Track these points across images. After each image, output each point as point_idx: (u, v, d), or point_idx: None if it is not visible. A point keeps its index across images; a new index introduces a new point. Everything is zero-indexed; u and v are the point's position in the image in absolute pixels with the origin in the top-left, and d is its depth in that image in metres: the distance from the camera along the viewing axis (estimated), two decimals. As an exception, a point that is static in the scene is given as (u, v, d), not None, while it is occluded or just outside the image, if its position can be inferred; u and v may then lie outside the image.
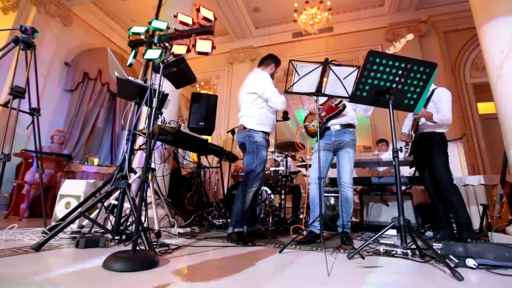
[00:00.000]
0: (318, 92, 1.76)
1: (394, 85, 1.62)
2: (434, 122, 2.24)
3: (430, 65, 1.58)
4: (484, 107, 4.94)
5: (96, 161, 4.20)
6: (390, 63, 1.58)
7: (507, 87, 2.09)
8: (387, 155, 2.90)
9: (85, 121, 5.33)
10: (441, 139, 2.33)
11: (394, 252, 1.56)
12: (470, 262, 1.30)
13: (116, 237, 1.64)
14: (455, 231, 2.37)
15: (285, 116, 4.80)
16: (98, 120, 5.62)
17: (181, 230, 2.35)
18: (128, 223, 1.75)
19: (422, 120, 2.35)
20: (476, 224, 2.80)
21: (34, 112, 2.00)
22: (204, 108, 3.34)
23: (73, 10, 5.22)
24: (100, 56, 5.64)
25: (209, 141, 2.96)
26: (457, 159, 4.50)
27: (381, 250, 1.61)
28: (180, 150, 3.45)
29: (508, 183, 2.35)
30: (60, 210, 2.47)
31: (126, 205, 1.86)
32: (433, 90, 2.38)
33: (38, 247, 1.35)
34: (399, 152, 1.57)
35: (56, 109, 4.85)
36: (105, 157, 5.68)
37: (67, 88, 5.07)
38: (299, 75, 1.67)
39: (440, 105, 2.27)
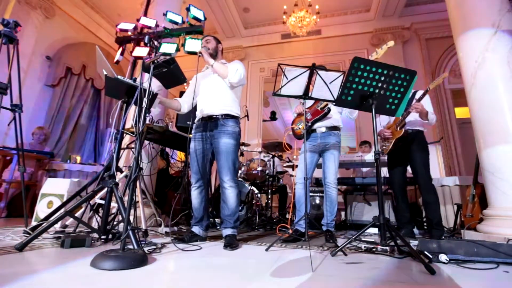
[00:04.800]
0: (305, 95, 1.81)
1: (377, 91, 1.70)
2: (426, 120, 2.33)
3: (410, 72, 1.68)
4: (460, 112, 5.22)
5: (78, 159, 4.10)
6: (374, 69, 1.66)
7: (480, 95, 2.23)
8: (370, 157, 3.01)
9: (68, 118, 5.16)
10: (424, 138, 2.47)
11: (374, 249, 1.64)
12: (443, 257, 1.40)
13: (102, 237, 1.63)
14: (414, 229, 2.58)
15: (273, 116, 4.85)
16: (81, 117, 5.46)
17: (167, 229, 2.35)
18: (115, 223, 1.74)
19: (413, 116, 2.39)
20: (451, 222, 2.98)
21: (16, 108, 1.93)
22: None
23: (55, 2, 5.03)
24: (84, 51, 5.47)
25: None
26: (435, 161, 4.73)
27: (363, 247, 1.69)
28: (167, 149, 3.43)
29: (480, 184, 2.51)
30: (41, 210, 2.41)
31: (112, 204, 1.85)
32: (414, 93, 2.48)
33: (21, 247, 1.33)
34: (380, 154, 1.65)
35: (36, 105, 4.67)
36: (88, 155, 5.53)
37: (48, 83, 4.88)
38: (287, 79, 1.72)
39: (425, 106, 2.35)
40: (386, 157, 2.68)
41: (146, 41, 1.68)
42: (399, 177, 2.54)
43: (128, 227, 1.26)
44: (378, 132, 2.62)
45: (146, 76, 1.52)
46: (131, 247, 1.33)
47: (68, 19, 5.36)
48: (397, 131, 2.44)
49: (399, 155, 2.51)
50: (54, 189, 2.45)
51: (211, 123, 1.93)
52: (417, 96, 2.42)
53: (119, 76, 1.58)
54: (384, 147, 2.57)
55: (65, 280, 0.95)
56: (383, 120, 2.66)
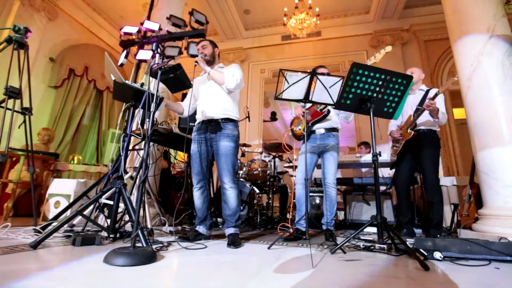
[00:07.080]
0: (306, 99, 1.88)
1: (375, 94, 1.77)
2: (436, 118, 2.30)
3: (406, 77, 1.74)
4: (459, 113, 5.28)
5: (81, 159, 4.16)
6: (372, 74, 1.72)
7: (475, 98, 2.29)
8: (368, 157, 3.07)
9: (70, 119, 5.22)
10: (437, 138, 2.44)
11: (372, 247, 1.71)
12: (437, 254, 1.46)
13: (111, 235, 1.69)
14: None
15: (273, 116, 4.89)
16: (83, 118, 5.52)
17: (172, 229, 2.41)
18: (122, 222, 1.80)
19: (425, 116, 2.37)
20: (448, 222, 3.04)
21: (26, 111, 2.00)
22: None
23: (59, 5, 5.09)
24: (86, 52, 5.54)
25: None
26: (433, 161, 4.79)
27: (361, 245, 1.75)
28: (171, 151, 3.50)
29: (476, 184, 2.57)
30: (49, 209, 2.48)
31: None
32: (427, 91, 2.48)
33: (35, 245, 1.39)
34: (378, 156, 1.71)
35: (40, 106, 4.73)
36: (91, 155, 5.59)
37: (51, 84, 4.95)
38: (288, 83, 1.78)
39: (438, 105, 2.33)
40: (395, 158, 2.64)
41: (154, 48, 1.74)
42: (404, 176, 2.52)
43: (138, 226, 1.32)
44: (389, 133, 2.64)
45: (150, 79, 1.59)
46: (139, 245, 1.39)
47: (70, 21, 5.42)
48: (407, 133, 2.42)
49: (407, 155, 2.50)
50: (61, 189, 2.51)
51: (211, 126, 2.00)
52: (430, 94, 2.39)
53: (127, 81, 1.65)
54: (395, 148, 2.58)
55: (82, 275, 1.01)
56: (396, 120, 2.59)
